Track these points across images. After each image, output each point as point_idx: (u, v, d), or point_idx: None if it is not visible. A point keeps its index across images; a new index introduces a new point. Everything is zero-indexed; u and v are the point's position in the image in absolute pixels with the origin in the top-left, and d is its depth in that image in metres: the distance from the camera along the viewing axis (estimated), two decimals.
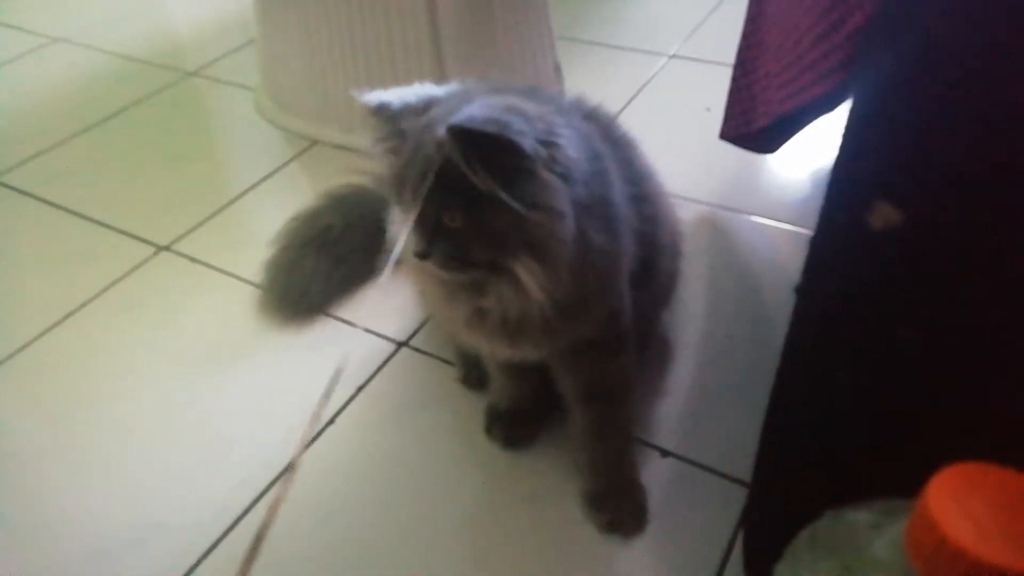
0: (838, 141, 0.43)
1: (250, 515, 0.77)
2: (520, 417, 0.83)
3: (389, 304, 1.00)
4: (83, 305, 1.03)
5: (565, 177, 0.56)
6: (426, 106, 0.60)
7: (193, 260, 1.10)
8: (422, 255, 0.57)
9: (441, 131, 0.53)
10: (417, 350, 0.94)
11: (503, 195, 0.53)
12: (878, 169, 0.34)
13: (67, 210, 1.20)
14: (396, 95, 0.61)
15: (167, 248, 1.12)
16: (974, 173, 0.31)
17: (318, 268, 1.00)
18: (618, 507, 0.74)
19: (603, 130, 0.71)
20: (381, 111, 0.61)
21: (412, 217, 0.57)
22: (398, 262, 0.67)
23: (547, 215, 0.56)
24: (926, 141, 0.32)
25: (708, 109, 1.28)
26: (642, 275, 0.72)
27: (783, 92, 0.87)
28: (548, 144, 0.55)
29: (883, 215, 0.33)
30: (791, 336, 0.43)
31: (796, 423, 0.47)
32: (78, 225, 1.17)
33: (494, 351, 0.69)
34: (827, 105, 0.84)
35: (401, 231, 0.61)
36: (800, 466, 0.48)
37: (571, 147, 0.57)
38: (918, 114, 0.32)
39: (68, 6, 1.89)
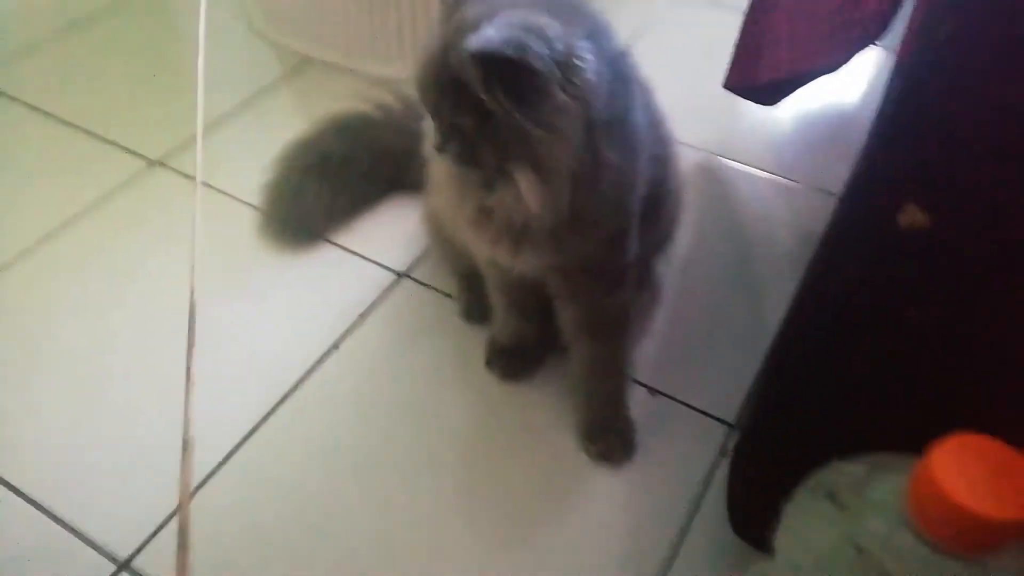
0: (864, 126, 0.47)
1: (256, 434, 0.81)
2: (520, 352, 0.88)
3: (390, 234, 1.03)
4: (76, 217, 1.03)
5: (580, 99, 0.58)
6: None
7: (186, 176, 1.10)
8: (438, 148, 0.62)
9: (463, 46, 0.55)
10: (418, 281, 0.98)
11: (516, 116, 0.57)
12: (911, 172, 0.39)
13: (53, 116, 1.17)
14: None
15: (159, 163, 1.11)
16: (1002, 185, 0.36)
17: (320, 194, 1.01)
18: (610, 439, 0.81)
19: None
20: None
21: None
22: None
23: (553, 135, 0.59)
24: (961, 148, 0.37)
25: (709, 54, 1.30)
26: (648, 213, 0.76)
27: (791, 54, 0.91)
28: (566, 66, 0.57)
29: (911, 216, 0.38)
30: (800, 303, 0.49)
31: (798, 380, 0.53)
32: (66, 134, 1.14)
33: (496, 256, 0.72)
34: (830, 69, 0.88)
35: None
36: (794, 420, 0.55)
37: (590, 69, 0.59)
38: (953, 123, 0.37)
39: None
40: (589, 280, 0.75)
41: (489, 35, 0.54)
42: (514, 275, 0.76)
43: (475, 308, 0.93)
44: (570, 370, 0.83)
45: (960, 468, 0.34)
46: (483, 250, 0.73)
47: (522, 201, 0.62)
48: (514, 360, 0.88)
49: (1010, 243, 0.37)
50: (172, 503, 0.73)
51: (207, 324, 0.91)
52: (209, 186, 1.08)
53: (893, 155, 0.40)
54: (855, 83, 1.29)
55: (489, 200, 0.66)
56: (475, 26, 0.56)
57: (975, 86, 0.36)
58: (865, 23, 0.75)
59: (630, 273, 0.78)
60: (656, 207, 0.79)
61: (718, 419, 0.84)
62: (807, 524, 0.45)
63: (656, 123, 0.78)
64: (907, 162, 0.40)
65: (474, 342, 0.90)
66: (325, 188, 1.01)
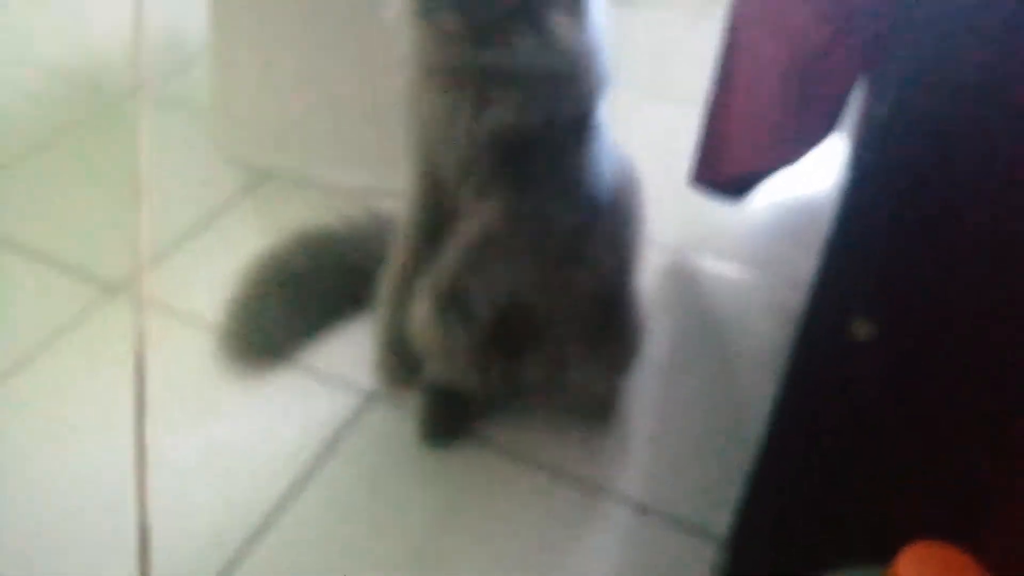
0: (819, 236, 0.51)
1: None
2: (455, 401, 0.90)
3: (357, 352, 1.05)
4: (37, 347, 1.04)
5: None
6: None
7: (148, 300, 1.12)
8: None
9: None
10: (387, 400, 0.99)
11: None
12: (857, 290, 0.43)
13: (10, 243, 1.20)
14: None
15: (119, 287, 1.14)
16: (937, 302, 0.40)
17: (283, 312, 1.04)
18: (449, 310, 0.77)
19: None
20: None
21: None
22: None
23: None
24: (901, 268, 0.41)
25: (674, 152, 1.38)
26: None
27: (750, 152, 0.98)
28: None
29: (861, 329, 0.42)
30: (773, 422, 0.52)
31: (777, 490, 0.55)
32: (21, 260, 1.18)
33: (449, 126, 0.74)
34: (788, 164, 0.95)
35: None
36: (777, 532, 0.56)
37: None
38: (892, 249, 0.41)
39: None
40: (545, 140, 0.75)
41: None
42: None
43: (438, 424, 0.94)
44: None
45: (921, 574, 0.37)
46: (439, 130, 0.75)
47: (550, 38, 0.68)
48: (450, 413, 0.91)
49: (952, 351, 0.41)
50: None
51: (167, 455, 0.91)
52: (168, 307, 1.11)
53: (840, 275, 0.44)
54: (822, 169, 1.37)
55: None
56: None
57: (901, 214, 0.40)
58: (816, 124, 0.82)
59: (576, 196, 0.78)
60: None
61: (709, 534, 0.84)
62: None
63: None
64: (853, 281, 0.44)
65: (442, 457, 0.92)
66: (288, 306, 1.04)
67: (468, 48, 0.71)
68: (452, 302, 0.75)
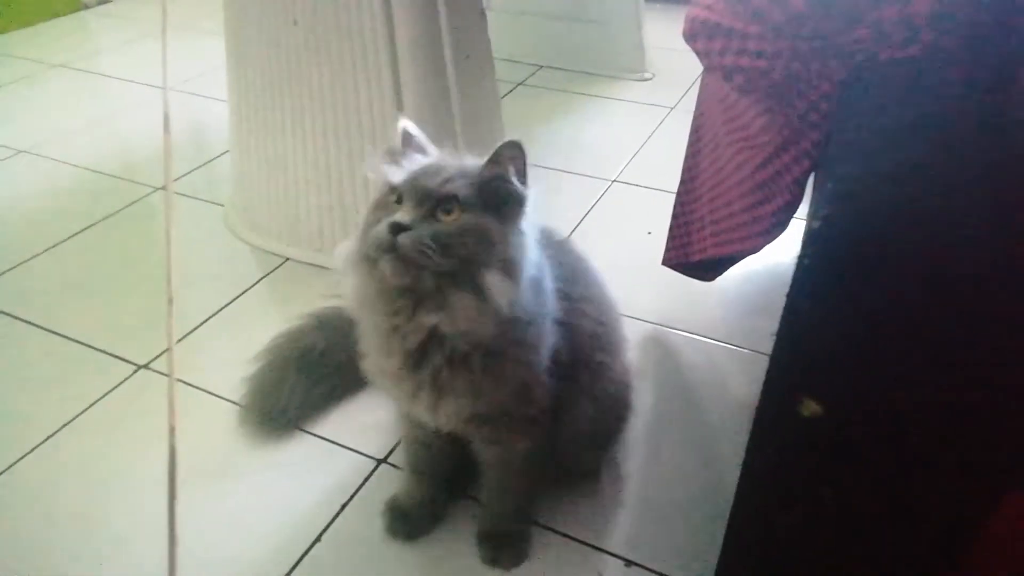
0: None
1: None
2: (419, 513, 0.95)
3: (367, 422, 1.10)
4: (64, 425, 1.09)
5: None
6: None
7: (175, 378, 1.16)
8: (399, 228, 0.67)
9: (469, 164, 0.73)
10: (396, 467, 1.04)
11: (527, 201, 0.72)
12: (806, 372, 0.49)
13: (43, 328, 1.26)
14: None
15: (145, 366, 1.18)
16: (876, 388, 0.46)
17: (298, 386, 1.09)
18: (501, 546, 0.90)
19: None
20: (407, 138, 0.77)
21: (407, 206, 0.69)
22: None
23: (524, 242, 0.72)
24: (844, 355, 0.47)
25: (649, 233, 1.46)
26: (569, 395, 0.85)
27: (715, 239, 1.05)
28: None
29: (808, 407, 0.47)
30: (740, 487, 0.57)
31: (749, 554, 0.60)
32: (55, 343, 1.24)
33: (415, 411, 0.79)
34: (753, 251, 1.02)
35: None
36: None
37: None
38: (835, 338, 0.47)
39: (23, 117, 1.97)
40: (505, 426, 0.82)
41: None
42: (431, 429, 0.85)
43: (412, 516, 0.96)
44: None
45: None
46: (404, 404, 0.81)
47: (482, 305, 0.69)
48: (418, 521, 0.95)
49: (891, 432, 0.47)
50: None
51: (187, 522, 0.94)
52: (192, 385, 1.15)
53: (790, 359, 0.50)
54: (793, 246, 1.44)
55: (429, 318, 0.71)
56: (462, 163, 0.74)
57: (841, 310, 0.47)
58: (775, 216, 0.88)
59: (543, 419, 0.84)
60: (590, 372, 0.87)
61: None
62: None
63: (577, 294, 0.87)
64: (801, 364, 0.50)
65: (454, 524, 0.95)
66: (303, 380, 1.10)
67: (407, 302, 0.71)
68: (505, 535, 0.91)
